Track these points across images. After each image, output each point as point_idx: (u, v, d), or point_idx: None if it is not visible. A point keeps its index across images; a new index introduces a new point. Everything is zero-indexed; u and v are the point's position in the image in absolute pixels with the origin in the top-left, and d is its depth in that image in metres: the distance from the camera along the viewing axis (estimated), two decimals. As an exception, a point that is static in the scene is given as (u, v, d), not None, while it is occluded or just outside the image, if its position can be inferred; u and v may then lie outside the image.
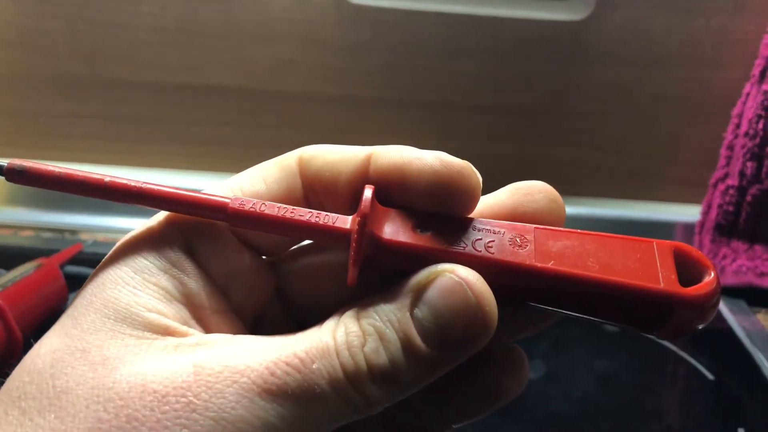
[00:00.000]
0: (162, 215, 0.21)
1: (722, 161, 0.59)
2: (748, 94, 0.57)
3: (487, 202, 0.22)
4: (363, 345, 0.18)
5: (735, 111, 0.58)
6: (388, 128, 0.63)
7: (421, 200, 0.21)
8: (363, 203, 0.20)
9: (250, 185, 0.22)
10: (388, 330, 0.19)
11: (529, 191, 0.22)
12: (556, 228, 0.21)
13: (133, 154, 0.66)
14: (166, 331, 0.19)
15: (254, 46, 0.61)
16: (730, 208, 0.59)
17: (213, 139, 0.65)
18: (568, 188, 0.66)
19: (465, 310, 0.18)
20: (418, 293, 0.19)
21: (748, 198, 0.58)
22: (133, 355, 0.18)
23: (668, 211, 0.65)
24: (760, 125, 0.56)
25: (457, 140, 0.64)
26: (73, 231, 0.65)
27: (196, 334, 0.20)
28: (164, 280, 0.20)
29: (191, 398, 0.17)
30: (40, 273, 0.47)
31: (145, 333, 0.19)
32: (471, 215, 0.21)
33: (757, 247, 0.60)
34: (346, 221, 0.20)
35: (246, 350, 0.18)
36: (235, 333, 0.20)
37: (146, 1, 0.60)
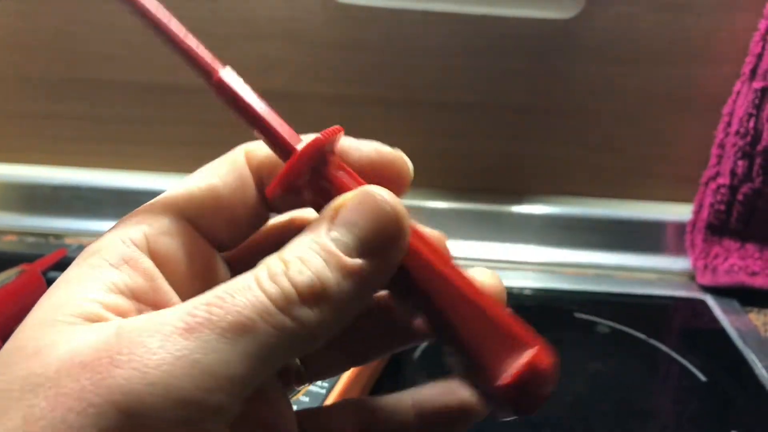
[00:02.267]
0: (129, 216, 0.21)
1: (713, 160, 0.59)
2: (738, 92, 0.57)
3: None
4: (286, 271, 0.18)
5: (726, 109, 0.58)
6: (376, 127, 0.63)
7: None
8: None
9: (206, 180, 0.22)
10: (307, 253, 0.19)
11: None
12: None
13: (120, 156, 0.65)
14: (102, 319, 0.19)
15: (241, 45, 0.60)
16: (722, 207, 0.59)
17: (200, 139, 0.64)
18: (558, 187, 0.65)
19: (377, 214, 0.19)
20: (333, 217, 0.20)
21: (740, 197, 0.58)
22: (65, 342, 0.18)
23: (659, 210, 0.64)
24: (751, 123, 0.56)
25: (445, 138, 0.64)
26: (58, 235, 0.64)
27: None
28: (113, 275, 0.19)
29: (115, 356, 0.17)
30: (22, 280, 0.46)
31: (82, 321, 0.18)
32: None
33: (749, 246, 0.60)
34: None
35: (171, 306, 0.18)
36: None
37: (130, 1, 0.59)
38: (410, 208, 0.20)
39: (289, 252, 0.19)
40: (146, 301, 0.20)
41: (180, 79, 0.62)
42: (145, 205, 0.22)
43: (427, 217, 0.64)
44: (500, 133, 0.63)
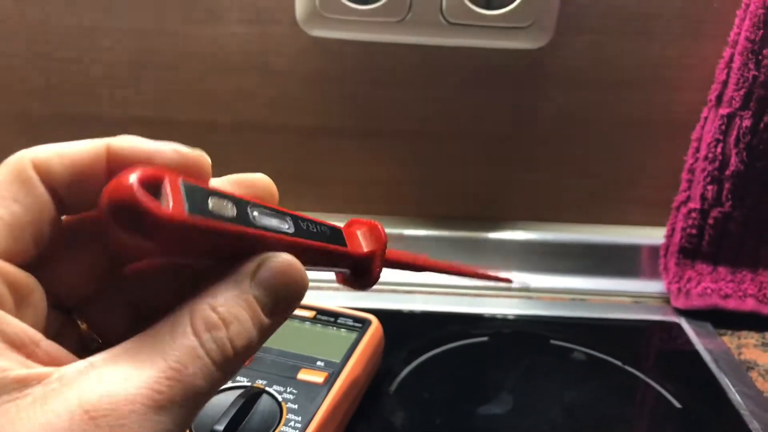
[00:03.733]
0: None
1: (684, 185, 0.60)
2: (706, 118, 0.58)
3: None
4: (227, 333, 0.21)
5: (694, 135, 0.59)
6: (351, 157, 0.63)
7: None
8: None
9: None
10: (241, 312, 0.22)
11: (252, 183, 0.26)
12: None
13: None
14: (21, 383, 0.19)
15: (214, 78, 0.61)
16: (693, 231, 0.59)
17: (175, 172, 0.64)
18: (532, 213, 0.66)
19: (295, 282, 0.23)
20: (256, 275, 0.22)
21: (710, 221, 0.59)
22: (8, 424, 0.18)
23: (633, 234, 0.65)
24: (719, 149, 0.57)
25: (421, 167, 0.64)
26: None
27: (51, 371, 0.20)
28: None
29: None
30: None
31: (3, 396, 0.18)
32: None
33: (721, 269, 0.60)
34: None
35: (121, 376, 0.19)
36: (60, 353, 0.22)
37: (102, 36, 0.59)
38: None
39: (223, 307, 0.21)
40: (23, 345, 0.20)
41: (153, 112, 0.62)
42: None
43: (406, 244, 0.65)
44: (474, 161, 0.64)
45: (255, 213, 0.23)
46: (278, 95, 0.61)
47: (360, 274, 0.28)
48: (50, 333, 0.23)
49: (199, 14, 0.58)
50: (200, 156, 0.24)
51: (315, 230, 0.26)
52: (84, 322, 0.26)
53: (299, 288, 0.23)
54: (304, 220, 0.25)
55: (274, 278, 0.22)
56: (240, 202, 0.23)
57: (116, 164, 0.22)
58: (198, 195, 0.21)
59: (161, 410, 0.19)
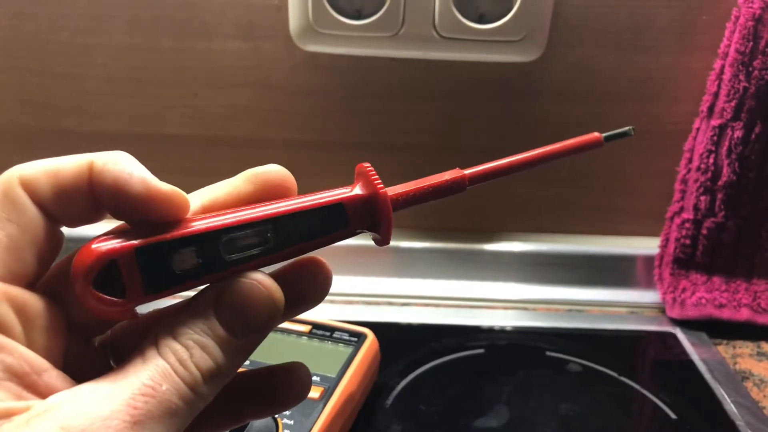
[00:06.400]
0: None
1: (677, 195, 0.60)
2: (698, 129, 0.58)
3: (225, 190, 0.25)
4: (191, 357, 0.22)
5: (686, 146, 0.59)
6: (346, 170, 0.63)
7: (137, 213, 0.23)
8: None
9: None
10: (204, 338, 0.22)
11: (266, 176, 0.26)
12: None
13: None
14: (6, 414, 0.20)
15: (209, 93, 0.61)
16: (687, 242, 0.60)
17: (176, 186, 0.64)
18: (527, 224, 0.66)
19: (260, 301, 0.23)
20: (218, 300, 0.23)
21: (704, 231, 0.59)
22: None
23: (628, 244, 0.65)
24: (711, 160, 0.57)
25: (414, 180, 0.64)
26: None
27: (37, 403, 0.20)
28: None
29: None
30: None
31: None
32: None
33: (715, 279, 0.60)
34: None
35: (100, 397, 0.20)
36: (63, 383, 0.22)
37: (97, 52, 0.59)
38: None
39: (186, 336, 0.22)
40: (25, 374, 0.21)
41: (148, 128, 0.62)
42: None
43: (400, 256, 0.65)
44: (468, 173, 0.64)
45: (228, 241, 0.23)
46: (272, 110, 0.61)
47: (374, 229, 0.27)
48: (71, 355, 0.24)
49: (193, 30, 0.58)
50: (172, 192, 0.23)
51: (306, 224, 0.25)
52: (104, 344, 0.26)
53: (267, 306, 0.23)
54: (293, 217, 0.24)
55: (236, 302, 0.23)
56: (209, 238, 0.23)
57: (97, 184, 0.22)
58: (156, 260, 0.22)
59: (138, 425, 0.20)
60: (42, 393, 0.21)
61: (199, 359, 0.22)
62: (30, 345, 0.22)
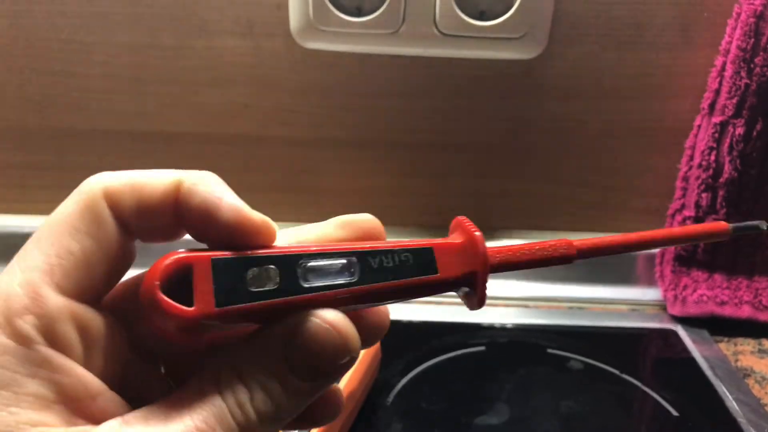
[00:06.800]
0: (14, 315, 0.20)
1: (678, 192, 0.60)
2: (699, 127, 0.58)
3: (314, 233, 0.25)
4: (251, 400, 0.21)
5: (687, 143, 0.59)
6: (345, 168, 0.63)
7: (223, 238, 0.22)
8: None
9: (65, 247, 0.21)
10: (269, 381, 0.21)
11: (360, 225, 0.25)
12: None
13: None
14: None
15: (208, 91, 0.61)
16: (688, 239, 0.59)
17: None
18: (528, 222, 0.66)
19: (333, 346, 0.21)
20: (287, 340, 0.21)
21: (705, 228, 0.59)
22: None
23: (629, 241, 0.65)
24: (712, 157, 0.57)
25: (415, 178, 0.64)
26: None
27: (85, 431, 0.20)
28: (35, 387, 0.19)
29: None
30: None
31: None
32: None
33: (717, 276, 0.60)
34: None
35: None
36: (116, 407, 0.21)
37: (97, 50, 0.59)
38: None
39: (250, 377, 0.21)
40: (79, 399, 0.20)
41: (148, 126, 0.62)
42: (4, 284, 0.20)
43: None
44: (470, 170, 0.64)
45: (308, 269, 0.22)
46: (273, 107, 0.61)
47: (465, 293, 0.25)
48: (129, 376, 0.23)
49: (193, 28, 0.58)
50: (263, 223, 0.22)
51: (391, 264, 0.23)
52: (165, 367, 0.25)
53: (341, 351, 0.22)
54: (379, 253, 0.23)
55: (308, 345, 0.21)
56: (289, 262, 0.22)
57: (184, 205, 0.22)
58: (232, 274, 0.21)
59: None
60: (94, 417, 0.21)
61: (259, 403, 0.21)
62: (88, 365, 0.21)
